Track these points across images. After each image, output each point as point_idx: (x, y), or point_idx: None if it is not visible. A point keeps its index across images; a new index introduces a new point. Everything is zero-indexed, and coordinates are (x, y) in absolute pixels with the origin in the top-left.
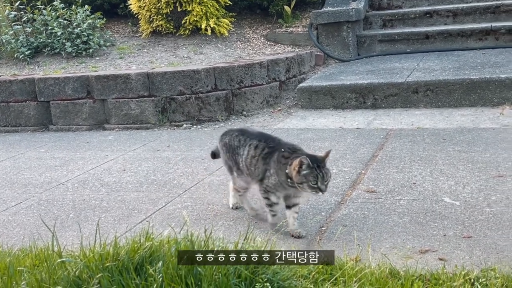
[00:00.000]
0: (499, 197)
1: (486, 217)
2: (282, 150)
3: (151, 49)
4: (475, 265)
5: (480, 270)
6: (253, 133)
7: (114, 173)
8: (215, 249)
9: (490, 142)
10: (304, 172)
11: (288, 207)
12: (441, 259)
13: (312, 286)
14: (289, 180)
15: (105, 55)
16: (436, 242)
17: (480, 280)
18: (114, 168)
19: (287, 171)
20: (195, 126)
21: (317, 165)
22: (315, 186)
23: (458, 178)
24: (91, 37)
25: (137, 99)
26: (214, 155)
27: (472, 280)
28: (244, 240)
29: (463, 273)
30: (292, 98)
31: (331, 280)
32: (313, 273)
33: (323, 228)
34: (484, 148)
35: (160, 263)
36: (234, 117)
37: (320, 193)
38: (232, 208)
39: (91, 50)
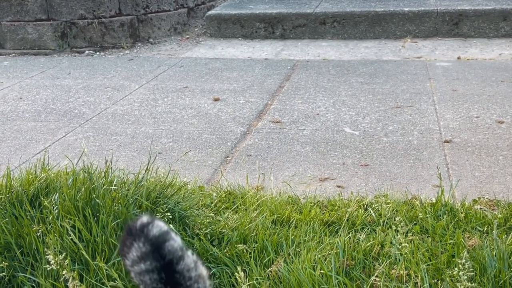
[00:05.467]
0: (395, 127)
1: (383, 146)
2: None
3: None
4: (369, 192)
5: (374, 196)
6: None
7: (10, 102)
8: (115, 180)
9: (391, 74)
10: None
11: None
12: (339, 186)
13: (213, 214)
14: None
15: None
16: (336, 170)
17: (373, 206)
18: (10, 96)
19: None
20: (98, 53)
21: None
22: None
23: (359, 109)
24: None
25: (34, 23)
26: None
27: (365, 205)
28: (145, 171)
29: (357, 199)
30: (201, 26)
31: (233, 208)
32: (215, 202)
33: (228, 158)
34: (385, 80)
35: (57, 195)
36: (140, 44)
37: None
38: None
39: None
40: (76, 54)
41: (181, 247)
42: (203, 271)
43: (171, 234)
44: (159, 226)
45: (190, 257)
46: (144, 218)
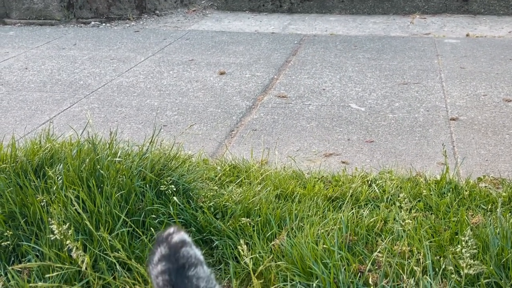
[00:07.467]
0: (402, 104)
1: (389, 122)
2: None
3: None
4: (374, 168)
5: (378, 172)
6: None
7: (16, 71)
8: (120, 151)
9: (399, 50)
10: None
11: None
12: (343, 162)
13: (217, 187)
14: None
15: None
16: (341, 146)
17: (377, 182)
18: (15, 66)
19: None
20: (104, 24)
21: None
22: None
23: (365, 85)
24: None
25: None
26: None
27: (369, 181)
28: (150, 143)
29: (362, 175)
30: None
31: (237, 182)
32: (220, 175)
33: (233, 132)
34: (392, 56)
35: (61, 165)
36: (146, 16)
37: None
38: None
39: None
40: (82, 25)
41: (197, 257)
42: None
43: (191, 244)
44: (182, 235)
45: (204, 269)
46: (171, 229)
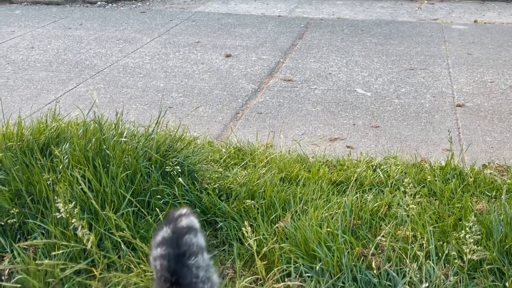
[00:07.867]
0: (408, 89)
1: (394, 108)
2: None
3: None
4: (379, 153)
5: (383, 157)
6: None
7: (22, 51)
8: (125, 132)
9: (406, 36)
10: None
11: None
12: (348, 147)
13: (222, 170)
14: None
15: None
16: (346, 130)
17: (382, 167)
18: (21, 45)
19: None
20: (110, 5)
21: None
22: None
23: (372, 70)
24: None
25: None
26: None
27: (374, 166)
28: (156, 125)
29: (366, 160)
30: None
31: (242, 165)
32: (225, 158)
33: (238, 114)
34: (399, 41)
35: (67, 145)
36: None
37: None
38: None
39: None
40: (88, 4)
41: (199, 245)
42: (215, 277)
43: (197, 231)
44: (191, 220)
45: (204, 257)
46: (184, 210)
